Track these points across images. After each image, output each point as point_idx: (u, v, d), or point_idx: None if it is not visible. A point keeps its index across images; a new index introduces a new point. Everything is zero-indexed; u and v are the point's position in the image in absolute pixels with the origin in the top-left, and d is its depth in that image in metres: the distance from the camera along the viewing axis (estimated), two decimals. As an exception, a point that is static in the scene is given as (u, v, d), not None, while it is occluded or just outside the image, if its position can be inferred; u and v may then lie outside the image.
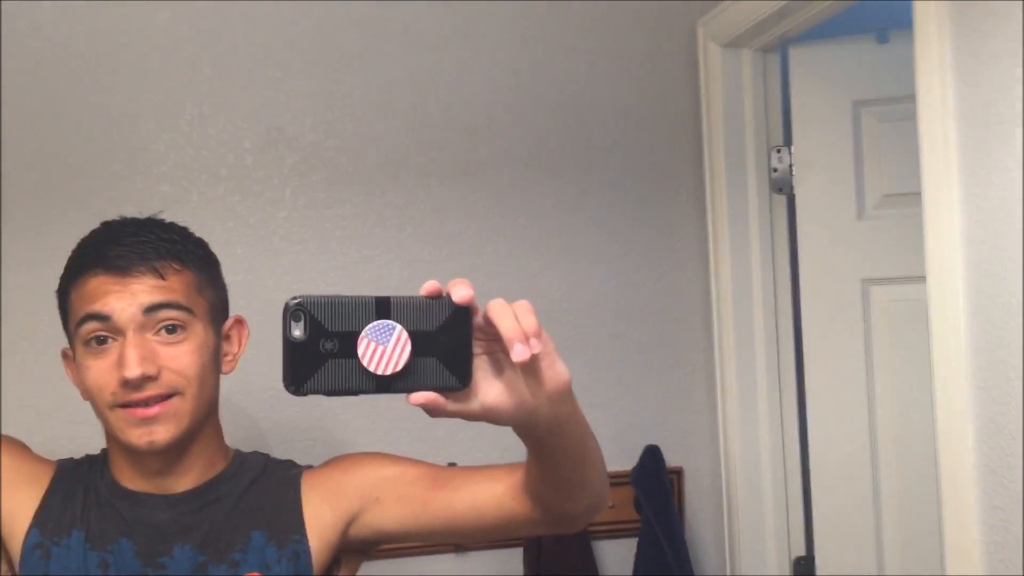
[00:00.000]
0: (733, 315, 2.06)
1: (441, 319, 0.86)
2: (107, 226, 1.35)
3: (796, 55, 2.03)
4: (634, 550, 2.03)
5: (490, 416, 0.90)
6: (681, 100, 2.15)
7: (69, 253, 1.34)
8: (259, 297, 1.89)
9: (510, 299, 0.88)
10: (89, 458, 1.41)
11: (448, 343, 0.86)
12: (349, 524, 1.35)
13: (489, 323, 0.87)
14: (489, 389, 0.89)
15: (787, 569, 2.06)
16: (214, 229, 1.95)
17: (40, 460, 1.39)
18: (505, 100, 2.08)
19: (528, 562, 2.00)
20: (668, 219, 2.15)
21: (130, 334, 1.26)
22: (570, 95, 2.11)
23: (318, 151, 2.01)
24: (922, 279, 1.45)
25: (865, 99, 2.00)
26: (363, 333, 0.83)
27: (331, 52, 2.01)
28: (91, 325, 1.27)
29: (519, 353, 0.84)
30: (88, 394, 1.30)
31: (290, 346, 0.83)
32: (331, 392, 0.84)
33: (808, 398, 2.04)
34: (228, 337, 1.38)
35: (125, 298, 1.26)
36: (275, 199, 1.99)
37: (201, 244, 1.38)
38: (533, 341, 0.85)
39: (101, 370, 1.27)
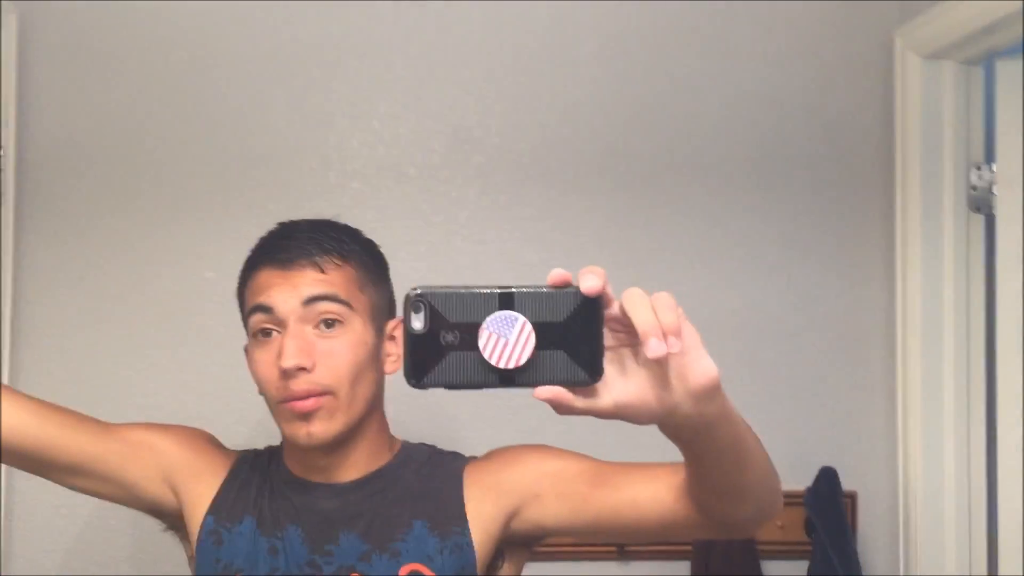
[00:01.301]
0: (921, 338, 1.98)
1: (569, 310, 0.81)
2: (281, 226, 1.43)
3: (1004, 69, 1.93)
4: (802, 572, 1.98)
5: (624, 414, 0.84)
6: (874, 110, 2.08)
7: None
8: (439, 294, 1.93)
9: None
10: (269, 449, 1.47)
11: (577, 335, 0.81)
12: (510, 519, 1.35)
13: (625, 314, 0.82)
14: (624, 385, 0.84)
15: (967, 605, 1.97)
16: (399, 226, 2.01)
17: (222, 451, 1.46)
18: (689, 106, 2.06)
19: (695, 574, 1.98)
20: (854, 234, 2.08)
21: (291, 325, 1.31)
22: (757, 102, 2.07)
23: (502, 153, 2.04)
24: None
25: (1077, 117, 1.88)
26: (484, 325, 0.80)
27: (519, 55, 2.04)
28: (258, 317, 1.34)
29: (653, 348, 0.79)
30: (259, 387, 1.36)
31: (411, 338, 0.81)
32: (452, 386, 0.81)
33: (999, 429, 1.93)
34: (392, 337, 1.41)
35: (287, 290, 1.32)
36: (459, 199, 2.03)
37: (370, 244, 1.43)
38: (672, 340, 0.80)
39: (265, 363, 1.33)
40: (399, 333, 1.41)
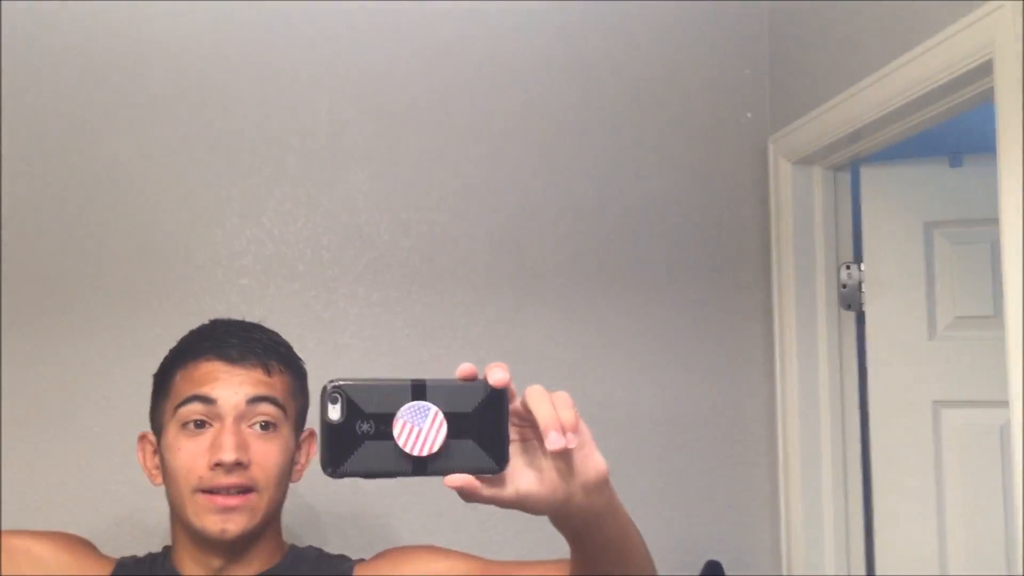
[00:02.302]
0: (799, 431, 2.05)
1: (477, 401, 0.85)
2: (216, 322, 1.43)
3: (868, 175, 2.05)
4: (692, 668, 1.98)
5: (524, 503, 0.88)
6: (751, 211, 2.17)
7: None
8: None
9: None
10: (151, 555, 1.43)
11: (484, 425, 0.85)
12: None
13: (527, 409, 0.86)
14: (524, 476, 0.88)
15: None
16: (288, 323, 1.99)
17: (100, 557, 1.42)
18: (574, 204, 2.12)
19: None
20: (734, 332, 2.16)
21: (229, 421, 1.31)
22: (640, 201, 2.14)
23: (393, 250, 2.06)
24: (995, 403, 1.43)
25: (937, 220, 2.01)
26: (399, 414, 0.83)
27: (408, 152, 2.07)
28: (194, 407, 1.32)
29: (554, 441, 0.83)
30: (170, 476, 1.33)
31: (327, 428, 0.83)
32: (368, 474, 0.84)
33: (876, 521, 2.00)
34: (299, 447, 1.42)
35: (232, 386, 1.32)
36: (349, 295, 2.03)
37: (297, 356, 1.44)
38: (570, 436, 0.84)
39: (193, 452, 1.31)
40: (305, 445, 1.43)
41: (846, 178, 2.11)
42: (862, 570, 2.03)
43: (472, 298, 2.07)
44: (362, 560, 1.43)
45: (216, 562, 1.36)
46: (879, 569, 1.99)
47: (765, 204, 2.16)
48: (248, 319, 1.95)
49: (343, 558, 1.44)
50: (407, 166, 2.07)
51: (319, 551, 1.46)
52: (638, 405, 2.10)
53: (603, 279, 2.11)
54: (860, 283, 2.05)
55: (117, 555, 1.45)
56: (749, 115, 2.19)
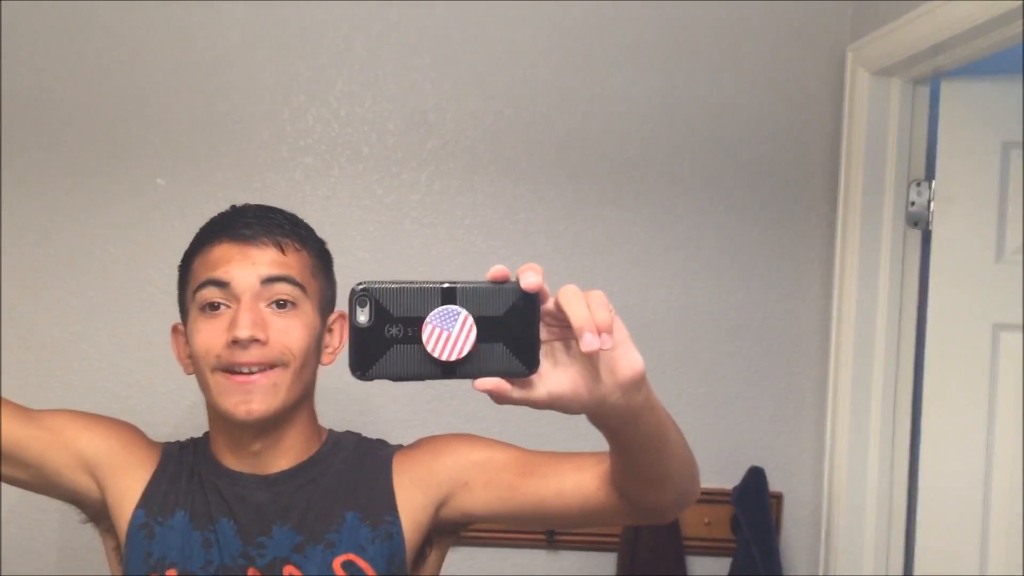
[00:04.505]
0: (853, 346, 2.03)
1: (508, 305, 0.84)
2: (236, 207, 1.41)
3: (948, 89, 1.99)
4: (726, 569, 2.02)
5: (557, 404, 0.88)
6: (822, 123, 2.13)
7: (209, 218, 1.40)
8: (385, 276, 1.92)
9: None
10: (193, 440, 1.45)
11: (515, 329, 0.84)
12: (439, 508, 1.36)
13: (561, 309, 0.85)
14: (557, 376, 0.87)
15: (882, 608, 2.02)
16: (350, 205, 2.02)
17: (148, 444, 1.44)
18: (643, 106, 2.09)
19: (621, 567, 2.01)
20: (795, 242, 2.13)
21: (245, 300, 1.30)
22: (710, 107, 2.10)
23: (457, 139, 2.05)
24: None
25: (1015, 140, 1.95)
26: (428, 319, 0.82)
27: (478, 44, 2.05)
28: (210, 290, 1.31)
29: (588, 343, 0.82)
30: (194, 359, 1.34)
31: (356, 332, 0.83)
32: (396, 377, 0.84)
33: (923, 438, 1.99)
34: (331, 330, 1.41)
35: (246, 267, 1.31)
36: (411, 182, 2.04)
37: (319, 237, 1.43)
38: (604, 337, 0.83)
39: (211, 333, 1.30)
40: (337, 327, 1.42)
41: (924, 92, 2.04)
42: (904, 487, 2.04)
43: (533, 192, 2.06)
44: (401, 446, 1.44)
45: (253, 447, 1.36)
46: (922, 488, 1.99)
47: (838, 114, 2.11)
48: (311, 198, 2.00)
49: (382, 443, 1.46)
50: (476, 54, 2.05)
51: (358, 436, 1.47)
52: (692, 309, 2.10)
53: (666, 181, 2.09)
54: (929, 201, 2.01)
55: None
56: (828, 22, 2.12)
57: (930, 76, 1.99)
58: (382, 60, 2.03)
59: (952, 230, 1.98)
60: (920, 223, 2.02)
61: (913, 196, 2.02)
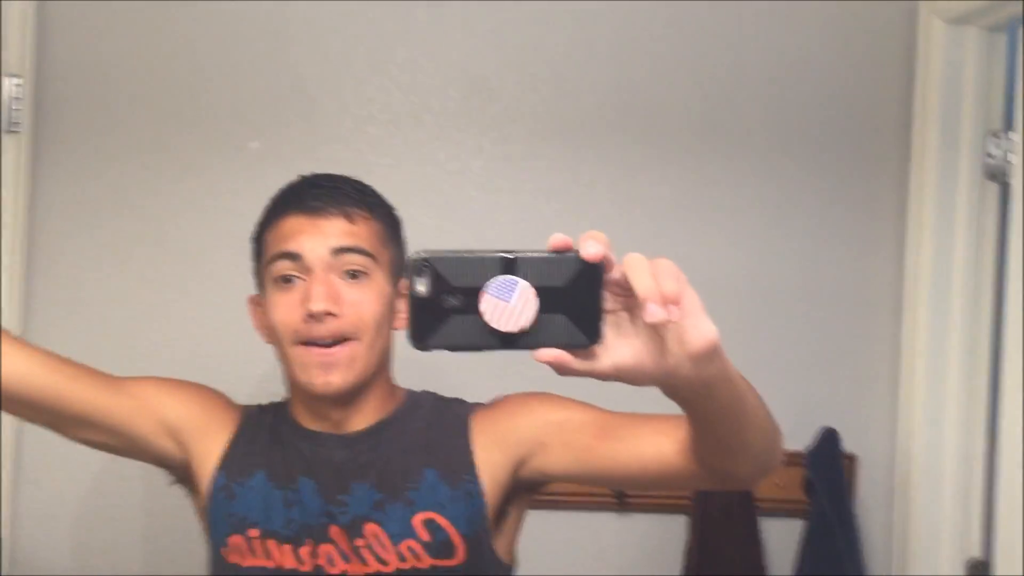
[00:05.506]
0: (928, 305, 1.99)
1: (570, 275, 0.82)
2: (304, 177, 1.42)
3: (1027, 36, 1.91)
4: (799, 531, 2.00)
5: (623, 376, 0.85)
6: (894, 75, 2.07)
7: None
8: (449, 243, 1.93)
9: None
10: (273, 404, 1.48)
11: (577, 299, 0.82)
12: (517, 467, 1.37)
13: (626, 279, 0.82)
14: (623, 347, 0.84)
15: (960, 570, 1.99)
16: (414, 173, 2.02)
17: (229, 406, 1.47)
18: (708, 65, 2.05)
19: (693, 529, 2.00)
20: (867, 199, 2.08)
21: (317, 272, 1.32)
22: (776, 63, 2.06)
23: (519, 104, 2.04)
24: None
25: (1098, 88, 1.87)
26: (486, 289, 0.81)
27: (538, 8, 2.03)
28: (282, 264, 1.34)
29: (653, 314, 0.79)
30: (273, 332, 1.36)
31: (414, 301, 0.82)
32: (454, 348, 0.82)
33: (1001, 397, 1.93)
34: (403, 295, 1.40)
35: (316, 238, 1.33)
36: (474, 148, 2.03)
37: (388, 203, 1.43)
38: (671, 308, 0.79)
39: (288, 305, 1.33)
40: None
41: (1002, 40, 1.97)
42: (982, 454, 1.99)
43: (597, 155, 2.05)
44: (479, 405, 1.45)
45: (333, 414, 1.39)
46: (1001, 452, 1.94)
47: (911, 66, 2.05)
48: (375, 168, 2.00)
49: (460, 402, 1.46)
50: (536, 18, 2.03)
51: (435, 395, 1.48)
52: (761, 270, 2.07)
53: (733, 141, 2.06)
54: (1008, 153, 1.94)
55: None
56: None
57: (1007, 23, 1.92)
58: (443, 27, 2.02)
59: (1033, 183, 1.91)
60: (999, 176, 1.96)
61: (991, 148, 1.96)
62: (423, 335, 0.82)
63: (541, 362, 0.82)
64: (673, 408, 0.99)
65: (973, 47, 1.96)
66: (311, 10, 2.00)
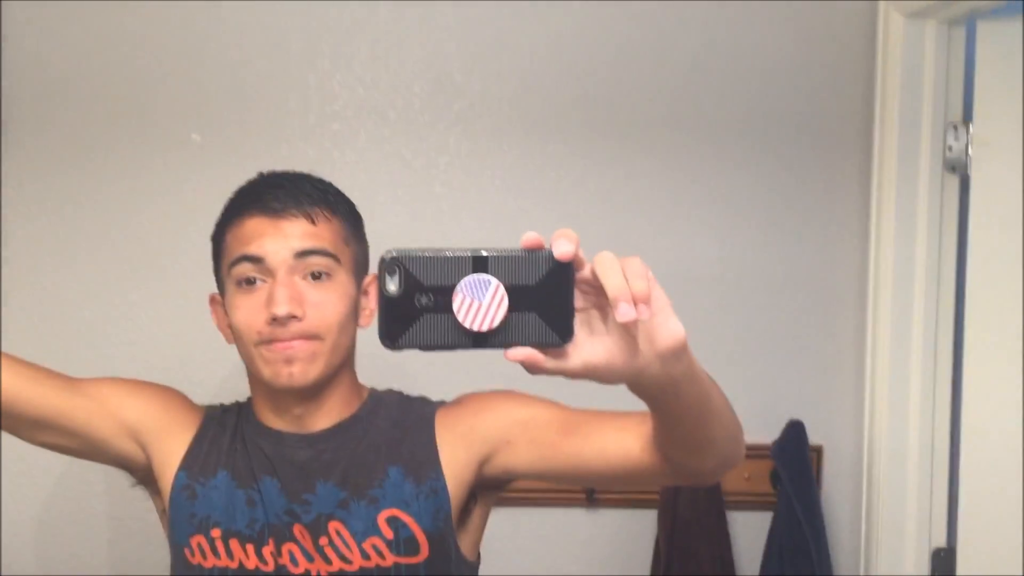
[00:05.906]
0: (891, 295, 2.00)
1: (541, 273, 0.82)
2: (264, 175, 1.41)
3: (985, 30, 1.93)
4: (768, 523, 2.02)
5: (592, 374, 0.85)
6: (855, 68, 2.08)
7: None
8: (418, 240, 1.93)
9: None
10: (236, 404, 1.47)
11: (548, 298, 0.82)
12: (482, 464, 1.37)
13: (596, 278, 0.83)
14: (593, 346, 0.85)
15: (925, 559, 2.01)
16: (379, 170, 2.01)
17: (190, 407, 1.46)
18: (672, 58, 2.05)
19: (662, 524, 2.01)
20: (830, 191, 2.10)
21: (280, 275, 1.31)
22: (739, 55, 2.07)
23: (484, 99, 2.03)
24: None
25: (1055, 81, 1.90)
26: (458, 288, 0.81)
27: (503, 3, 2.02)
28: (244, 266, 1.32)
29: (623, 313, 0.79)
30: (235, 334, 1.35)
31: (385, 301, 0.82)
32: (426, 347, 0.82)
33: (964, 387, 1.96)
34: (367, 292, 1.41)
35: (278, 241, 1.31)
36: (439, 144, 2.03)
37: (348, 199, 1.42)
38: (641, 307, 0.80)
39: (250, 308, 1.32)
40: (373, 289, 1.41)
41: (960, 34, 1.99)
42: (946, 437, 2.02)
43: (563, 150, 2.05)
44: (443, 403, 1.45)
45: (295, 410, 1.38)
46: (964, 443, 1.97)
47: (871, 60, 2.06)
48: (339, 164, 1.99)
49: (424, 400, 1.46)
50: (500, 13, 2.03)
51: (400, 394, 1.48)
52: (727, 263, 2.08)
53: (698, 134, 2.06)
54: (967, 146, 1.96)
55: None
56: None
57: (965, 17, 1.94)
58: (406, 23, 2.01)
59: (992, 174, 1.94)
60: (958, 168, 1.98)
61: (951, 140, 1.98)
62: (394, 335, 0.82)
63: (512, 361, 0.82)
64: (638, 404, 0.99)
65: (932, 41, 1.98)
66: (274, 7, 1.99)
